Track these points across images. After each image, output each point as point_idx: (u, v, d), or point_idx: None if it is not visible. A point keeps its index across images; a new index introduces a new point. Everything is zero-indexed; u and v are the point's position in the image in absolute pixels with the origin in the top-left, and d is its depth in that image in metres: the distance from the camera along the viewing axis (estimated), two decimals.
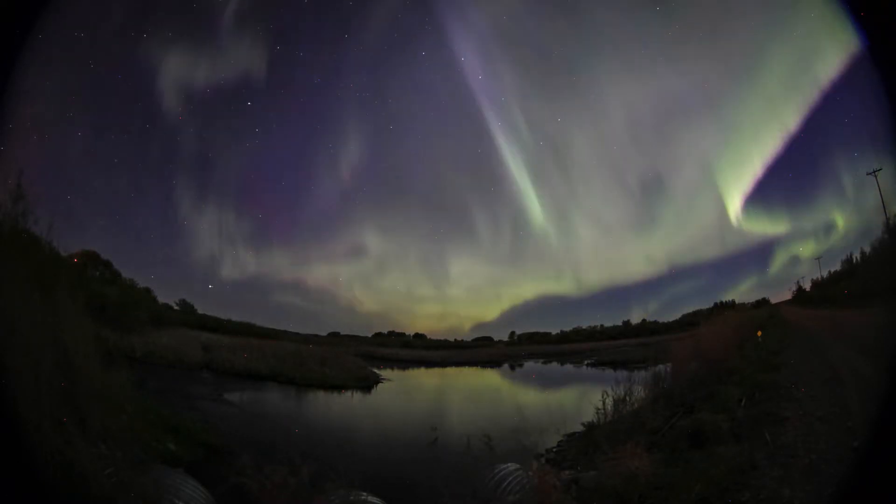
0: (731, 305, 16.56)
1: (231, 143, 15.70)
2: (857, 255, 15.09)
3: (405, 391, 17.22)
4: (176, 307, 14.50)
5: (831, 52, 12.52)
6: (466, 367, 19.12)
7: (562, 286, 18.67)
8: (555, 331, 19.51)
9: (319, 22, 15.94)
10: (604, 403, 9.81)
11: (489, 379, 19.18)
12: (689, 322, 16.62)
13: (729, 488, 5.41)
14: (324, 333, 17.51)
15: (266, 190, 16.83)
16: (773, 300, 17.67)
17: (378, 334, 18.83)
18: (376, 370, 17.13)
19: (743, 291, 17.41)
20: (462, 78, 17.12)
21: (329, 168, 17.63)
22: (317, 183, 17.53)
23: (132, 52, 13.26)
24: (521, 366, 19.32)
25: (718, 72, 16.65)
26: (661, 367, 12.34)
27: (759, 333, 14.76)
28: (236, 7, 14.81)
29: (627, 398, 10.14)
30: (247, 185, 16.42)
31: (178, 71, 14.29)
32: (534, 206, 18.56)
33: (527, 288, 18.89)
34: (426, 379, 19.09)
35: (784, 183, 17.23)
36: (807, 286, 17.39)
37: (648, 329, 18.33)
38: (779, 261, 17.77)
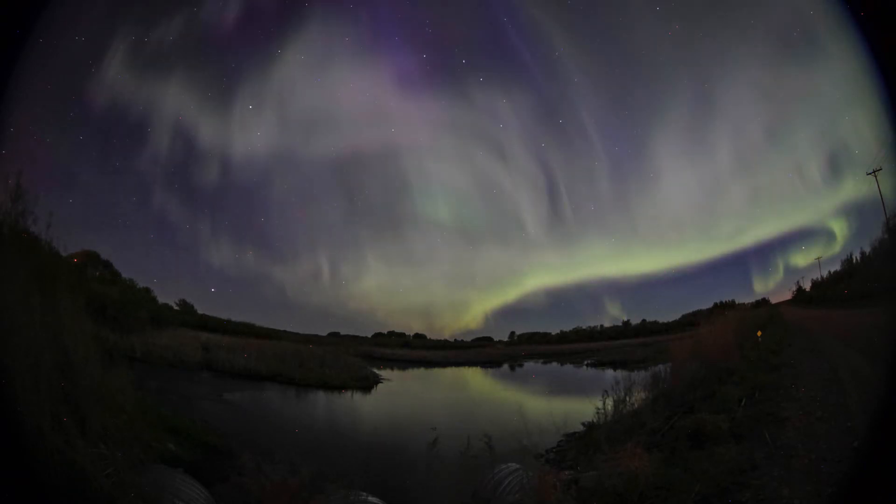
0: (731, 305, 16.55)
1: (231, 143, 15.72)
2: (857, 256, 15.10)
3: (405, 391, 17.22)
4: (176, 307, 14.50)
5: (831, 51, 12.52)
6: (466, 367, 19.11)
7: (562, 284, 18.71)
8: (554, 331, 19.53)
9: (321, 25, 15.98)
10: (604, 403, 9.79)
11: (489, 379, 19.18)
12: (689, 322, 16.61)
13: (729, 488, 5.41)
14: (324, 333, 17.53)
15: (267, 190, 16.83)
16: (773, 300, 17.69)
17: (378, 334, 18.83)
18: (376, 370, 17.12)
19: (743, 291, 17.42)
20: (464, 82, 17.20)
21: (329, 169, 17.67)
22: (317, 183, 17.57)
23: (131, 53, 13.28)
24: (520, 366, 19.31)
25: (717, 72, 16.69)
26: (660, 367, 12.33)
27: (759, 333, 14.75)
28: (236, 10, 14.87)
29: (627, 398, 10.12)
30: (247, 185, 16.43)
31: (178, 71, 14.32)
32: (535, 203, 18.62)
33: (527, 285, 18.95)
34: (426, 379, 19.08)
35: (784, 182, 17.26)
36: (807, 286, 17.41)
37: (648, 329, 18.33)
38: (779, 261, 17.78)
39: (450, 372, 18.82)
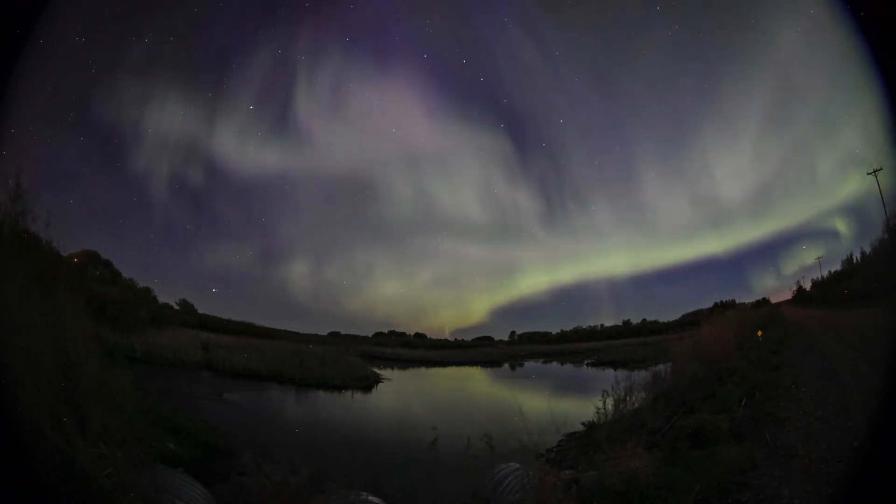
0: (731, 305, 16.55)
1: (231, 143, 15.72)
2: (857, 255, 15.11)
3: (405, 391, 17.22)
4: (176, 307, 14.50)
5: (831, 51, 12.50)
6: (467, 367, 19.11)
7: (562, 283, 18.72)
8: (555, 330, 19.53)
9: (321, 25, 15.98)
10: (604, 403, 9.78)
11: (489, 378, 19.18)
12: (690, 322, 16.61)
13: (729, 488, 5.41)
14: (324, 333, 17.53)
15: (268, 190, 16.83)
16: (774, 300, 17.69)
17: (378, 334, 18.85)
18: (376, 370, 17.12)
19: (743, 291, 17.42)
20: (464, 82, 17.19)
21: (329, 169, 17.66)
22: (317, 183, 17.58)
23: (132, 53, 13.27)
24: (521, 365, 19.31)
25: (718, 72, 16.69)
26: (661, 366, 12.32)
27: (760, 333, 14.75)
28: (237, 10, 14.86)
29: (628, 398, 10.11)
30: (248, 185, 16.43)
31: (178, 71, 14.32)
32: (535, 203, 18.62)
33: (527, 284, 18.95)
34: (426, 378, 19.08)
35: (784, 182, 17.27)
36: (807, 286, 17.41)
37: (648, 329, 18.34)
38: (779, 260, 17.78)
39: (450, 371, 18.82)
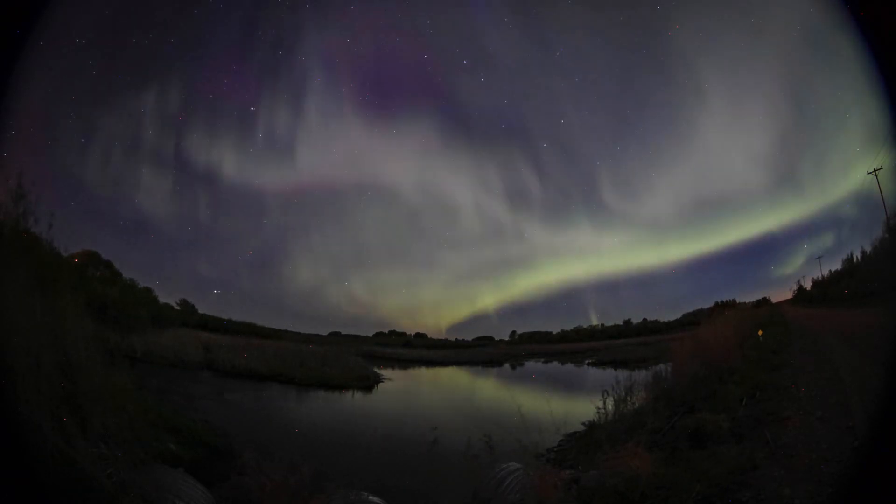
0: (732, 305, 16.53)
1: (232, 143, 15.73)
2: (857, 255, 15.10)
3: (406, 391, 17.22)
4: (177, 307, 14.51)
5: (831, 51, 12.49)
6: (467, 367, 19.11)
7: (563, 283, 18.71)
8: (555, 330, 19.53)
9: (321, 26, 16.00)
10: (604, 403, 9.77)
11: (489, 378, 19.18)
12: (690, 321, 16.61)
13: (730, 488, 5.41)
14: (324, 333, 17.53)
15: (267, 190, 16.84)
16: (774, 300, 17.67)
17: (378, 334, 18.84)
18: (377, 370, 17.12)
19: (743, 291, 17.39)
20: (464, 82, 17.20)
21: (328, 169, 17.67)
22: (317, 183, 17.58)
23: (132, 53, 13.28)
24: (521, 365, 19.31)
25: (717, 71, 16.66)
26: (661, 366, 12.32)
27: (760, 333, 14.73)
28: (237, 12, 14.87)
29: (628, 398, 10.11)
30: (248, 185, 16.43)
31: (179, 72, 14.33)
32: (536, 203, 18.63)
33: (528, 284, 18.96)
34: (427, 378, 19.09)
35: (784, 182, 17.26)
36: (807, 285, 17.39)
37: (649, 328, 18.32)
38: (779, 260, 17.76)
39: (450, 371, 18.83)
